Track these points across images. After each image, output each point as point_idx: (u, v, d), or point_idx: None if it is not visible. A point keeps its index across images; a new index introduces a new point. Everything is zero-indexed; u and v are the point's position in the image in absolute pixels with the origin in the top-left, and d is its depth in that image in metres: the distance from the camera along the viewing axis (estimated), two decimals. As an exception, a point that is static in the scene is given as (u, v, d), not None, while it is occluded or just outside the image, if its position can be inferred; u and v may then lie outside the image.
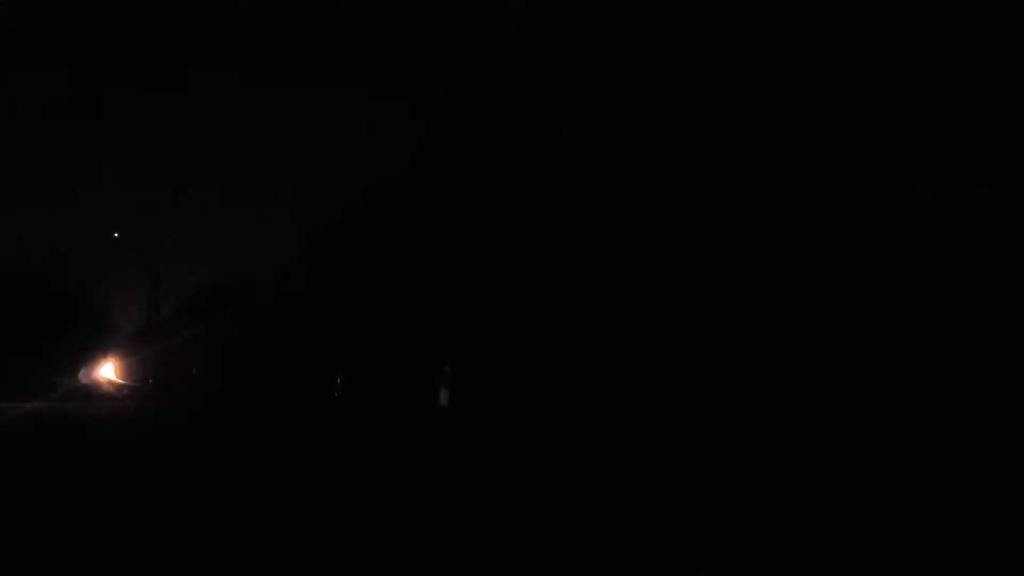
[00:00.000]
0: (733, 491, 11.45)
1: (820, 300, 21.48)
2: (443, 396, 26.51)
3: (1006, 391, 17.94)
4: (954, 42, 20.92)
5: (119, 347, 44.95)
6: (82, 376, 43.97)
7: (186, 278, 36.97)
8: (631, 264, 23.61)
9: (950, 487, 11.79)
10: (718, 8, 24.52)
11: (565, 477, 12.63)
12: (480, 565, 7.27)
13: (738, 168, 23.24)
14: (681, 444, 17.49)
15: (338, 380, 30.22)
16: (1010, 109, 19.88)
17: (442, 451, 16.21)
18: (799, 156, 22.29)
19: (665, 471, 13.50)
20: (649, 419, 20.49)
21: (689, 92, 24.10)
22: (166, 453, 15.38)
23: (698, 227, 23.52)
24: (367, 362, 29.79)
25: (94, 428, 20.70)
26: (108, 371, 48.80)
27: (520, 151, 26.37)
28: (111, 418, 23.78)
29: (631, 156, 24.41)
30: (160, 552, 7.53)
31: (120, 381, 44.81)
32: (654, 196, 23.89)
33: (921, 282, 20.10)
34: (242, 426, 21.32)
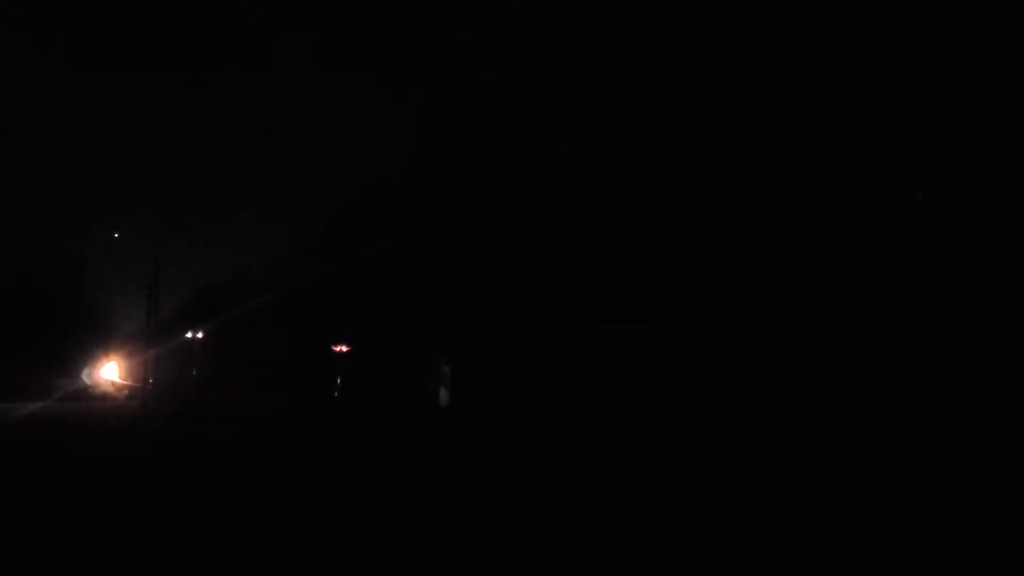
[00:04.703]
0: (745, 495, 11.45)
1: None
2: (443, 396, 26.50)
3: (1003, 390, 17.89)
4: (955, 42, 20.86)
5: (121, 347, 45.00)
6: (85, 376, 44.05)
7: (187, 278, 36.96)
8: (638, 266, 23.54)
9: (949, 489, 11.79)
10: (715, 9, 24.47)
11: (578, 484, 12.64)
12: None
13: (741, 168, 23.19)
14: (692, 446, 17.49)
15: (338, 380, 30.21)
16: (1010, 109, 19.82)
17: (448, 452, 16.23)
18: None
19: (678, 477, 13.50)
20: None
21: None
22: (170, 455, 15.38)
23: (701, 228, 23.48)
24: (369, 362, 29.79)
25: (98, 429, 20.71)
26: (110, 372, 48.86)
27: (527, 150, 26.27)
28: (114, 419, 23.80)
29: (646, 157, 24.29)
30: (164, 553, 7.54)
31: (122, 382, 44.84)
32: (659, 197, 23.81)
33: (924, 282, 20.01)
34: (244, 427, 21.33)
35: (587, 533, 8.62)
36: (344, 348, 30.12)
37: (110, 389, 41.14)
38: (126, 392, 37.86)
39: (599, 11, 26.63)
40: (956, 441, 16.13)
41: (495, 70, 29.31)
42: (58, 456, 14.70)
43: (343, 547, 7.86)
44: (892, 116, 20.91)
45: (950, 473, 13.09)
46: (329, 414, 26.48)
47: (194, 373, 34.78)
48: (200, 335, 34.25)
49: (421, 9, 31.23)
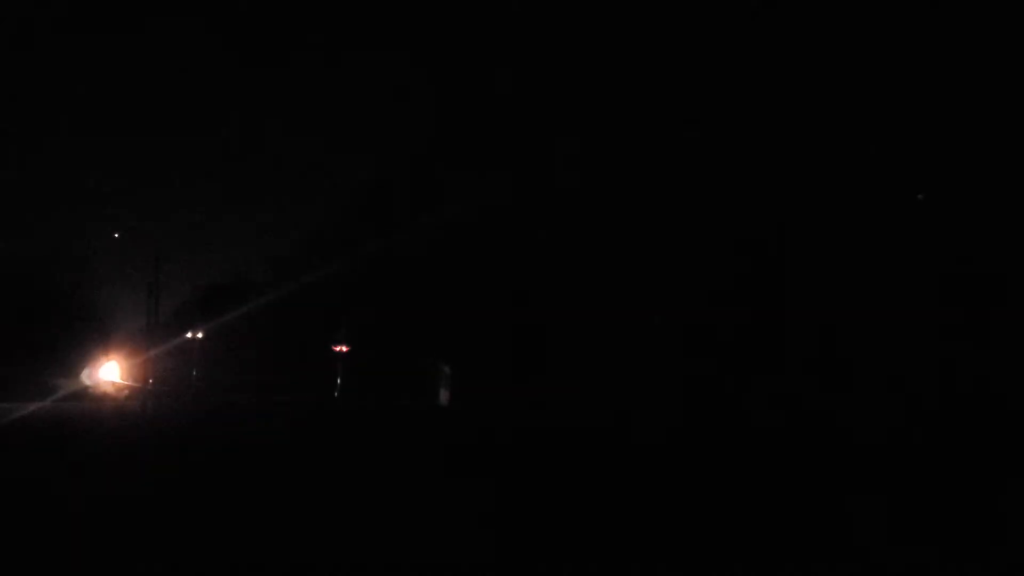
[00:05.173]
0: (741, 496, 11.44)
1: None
2: (443, 396, 26.50)
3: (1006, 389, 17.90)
4: (957, 41, 20.84)
5: (121, 347, 44.89)
6: (85, 377, 43.88)
7: (187, 278, 36.90)
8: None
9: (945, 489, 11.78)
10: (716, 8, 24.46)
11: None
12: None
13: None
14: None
15: (337, 381, 30.22)
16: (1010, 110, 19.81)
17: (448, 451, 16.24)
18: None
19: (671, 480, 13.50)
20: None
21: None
22: (168, 455, 15.38)
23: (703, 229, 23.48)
24: (369, 362, 29.79)
25: (99, 430, 20.70)
26: (110, 372, 48.67)
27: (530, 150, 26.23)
28: (114, 420, 23.78)
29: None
30: (165, 553, 7.54)
31: (122, 382, 44.75)
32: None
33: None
34: (244, 427, 21.30)
35: (591, 530, 8.62)
36: (344, 348, 30.11)
37: (110, 390, 40.98)
38: (126, 392, 37.76)
39: (599, 11, 26.61)
40: (956, 440, 16.11)
41: (494, 70, 29.28)
42: (58, 457, 14.68)
43: (343, 547, 7.86)
44: (892, 116, 20.88)
45: (950, 473, 13.09)
46: (329, 414, 26.46)
47: (194, 373, 34.76)
48: (200, 335, 34.21)
49: (421, 8, 31.22)
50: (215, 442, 17.54)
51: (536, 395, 23.99)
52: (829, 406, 19.60)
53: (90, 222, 37.38)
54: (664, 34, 25.34)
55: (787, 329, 21.87)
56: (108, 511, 9.36)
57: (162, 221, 35.47)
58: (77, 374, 42.01)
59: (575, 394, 23.19)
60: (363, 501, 10.33)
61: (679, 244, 23.69)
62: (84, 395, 36.50)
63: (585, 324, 24.51)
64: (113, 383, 44.86)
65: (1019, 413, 17.05)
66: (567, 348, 24.39)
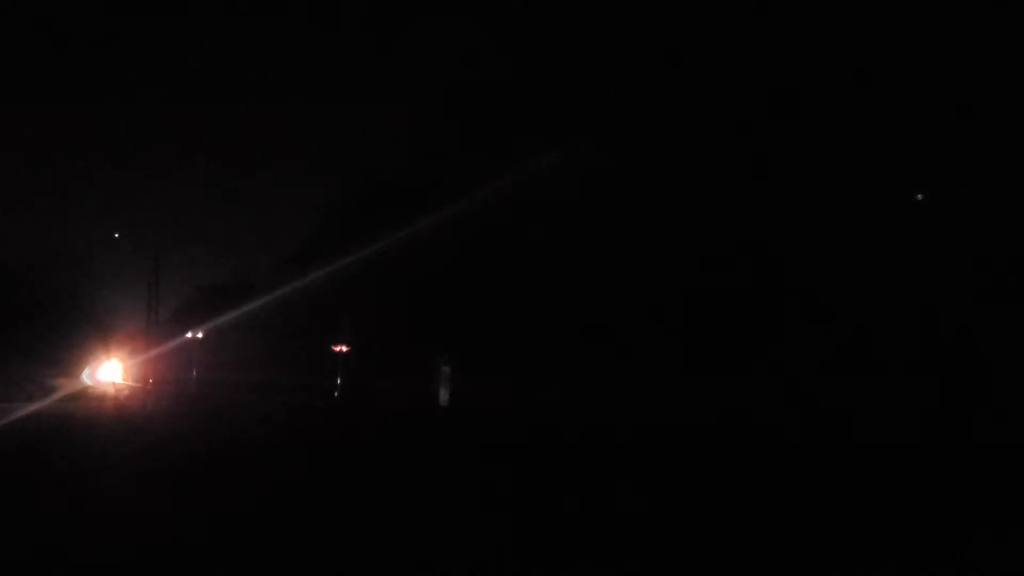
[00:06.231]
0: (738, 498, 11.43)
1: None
2: (443, 396, 26.48)
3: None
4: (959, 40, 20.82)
5: (121, 347, 44.98)
6: (86, 377, 43.99)
7: (187, 278, 36.99)
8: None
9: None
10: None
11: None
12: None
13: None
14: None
15: (338, 381, 30.20)
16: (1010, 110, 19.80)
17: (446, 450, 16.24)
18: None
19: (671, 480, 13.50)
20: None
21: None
22: (167, 456, 15.38)
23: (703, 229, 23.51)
24: (369, 362, 29.80)
25: (100, 430, 20.70)
26: (111, 372, 48.77)
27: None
28: (116, 419, 23.79)
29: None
30: (166, 550, 7.53)
31: (122, 382, 44.83)
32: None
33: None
34: (245, 427, 21.30)
35: (591, 531, 8.61)
36: (344, 348, 30.11)
37: (110, 389, 41.05)
38: (126, 392, 37.82)
39: (601, 9, 26.62)
40: (954, 442, 16.08)
41: (490, 69, 29.31)
42: (60, 458, 14.67)
43: (342, 547, 7.85)
44: (894, 117, 20.86)
45: (949, 474, 13.08)
46: (329, 414, 26.45)
47: (194, 373, 34.78)
48: (200, 335, 34.23)
49: (420, 8, 31.25)
50: (215, 443, 17.52)
51: (536, 395, 23.98)
52: (833, 409, 19.59)
53: (90, 222, 37.53)
54: (664, 34, 25.36)
55: (790, 330, 21.85)
56: (108, 510, 9.36)
57: (162, 221, 35.64)
58: (77, 374, 42.08)
59: (576, 394, 23.19)
60: (361, 500, 10.32)
61: (680, 244, 23.70)
62: (85, 395, 36.55)
63: (585, 324, 24.51)
64: (113, 383, 44.92)
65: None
66: (567, 348, 24.38)
